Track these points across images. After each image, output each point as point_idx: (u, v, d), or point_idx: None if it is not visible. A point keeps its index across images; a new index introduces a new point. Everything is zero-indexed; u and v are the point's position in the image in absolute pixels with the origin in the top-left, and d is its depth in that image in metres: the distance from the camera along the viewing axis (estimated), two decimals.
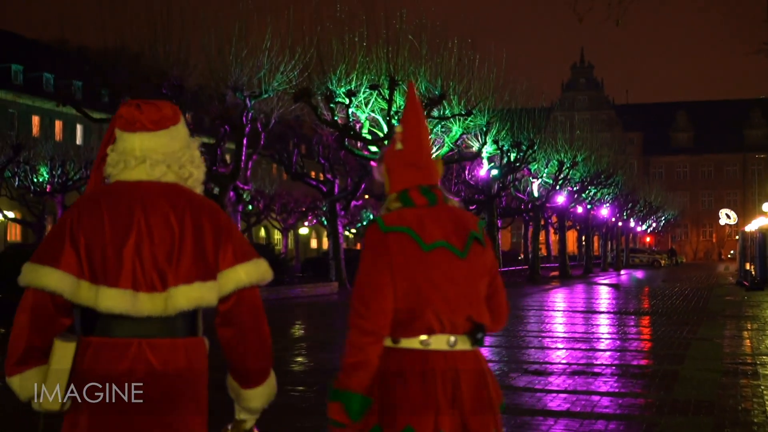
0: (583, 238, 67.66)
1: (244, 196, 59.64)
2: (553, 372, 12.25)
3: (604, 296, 33.92)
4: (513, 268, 59.95)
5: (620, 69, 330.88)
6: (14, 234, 64.47)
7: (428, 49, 29.03)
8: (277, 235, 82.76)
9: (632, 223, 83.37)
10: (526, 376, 11.90)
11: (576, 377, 11.81)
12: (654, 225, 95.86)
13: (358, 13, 30.06)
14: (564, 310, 26.24)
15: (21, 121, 67.58)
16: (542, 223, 61.44)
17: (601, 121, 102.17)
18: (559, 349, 15.38)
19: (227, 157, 29.27)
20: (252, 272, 3.33)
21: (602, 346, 16.07)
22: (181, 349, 3.23)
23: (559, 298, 32.49)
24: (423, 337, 3.36)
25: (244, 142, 27.66)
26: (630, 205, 74.57)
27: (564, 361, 13.44)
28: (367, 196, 48.62)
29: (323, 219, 56.36)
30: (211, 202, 3.40)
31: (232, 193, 28.40)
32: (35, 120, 69.67)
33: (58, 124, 70.92)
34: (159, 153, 3.34)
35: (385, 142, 28.35)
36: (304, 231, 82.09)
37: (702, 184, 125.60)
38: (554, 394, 10.43)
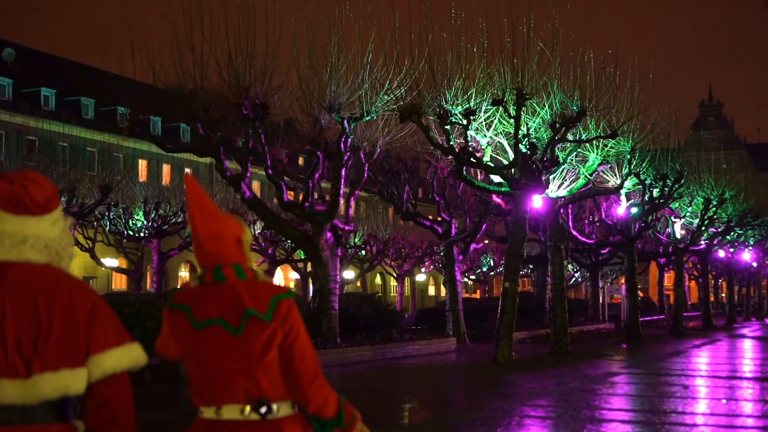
0: (722, 284, 62.51)
1: (355, 239, 56.03)
2: None
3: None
4: (648, 318, 54.75)
5: (750, 106, 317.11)
6: (120, 282, 61.60)
7: (561, 59, 24.14)
8: (392, 282, 78.78)
9: None
10: None
11: None
12: None
13: (476, 19, 25.45)
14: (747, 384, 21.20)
15: (127, 165, 64.83)
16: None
17: (732, 161, 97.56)
18: None
19: (322, 191, 24.96)
20: (123, 358, 3.14)
21: None
22: None
23: (722, 362, 27.35)
24: (216, 407, 3.41)
25: (343, 173, 23.35)
26: None
27: None
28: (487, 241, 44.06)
29: (440, 264, 52.03)
30: (82, 283, 3.14)
31: (329, 234, 23.99)
32: (142, 163, 67.41)
33: (166, 168, 68.85)
34: (42, 239, 3.14)
35: (512, 171, 23.63)
36: (421, 278, 77.91)
37: None
38: None
